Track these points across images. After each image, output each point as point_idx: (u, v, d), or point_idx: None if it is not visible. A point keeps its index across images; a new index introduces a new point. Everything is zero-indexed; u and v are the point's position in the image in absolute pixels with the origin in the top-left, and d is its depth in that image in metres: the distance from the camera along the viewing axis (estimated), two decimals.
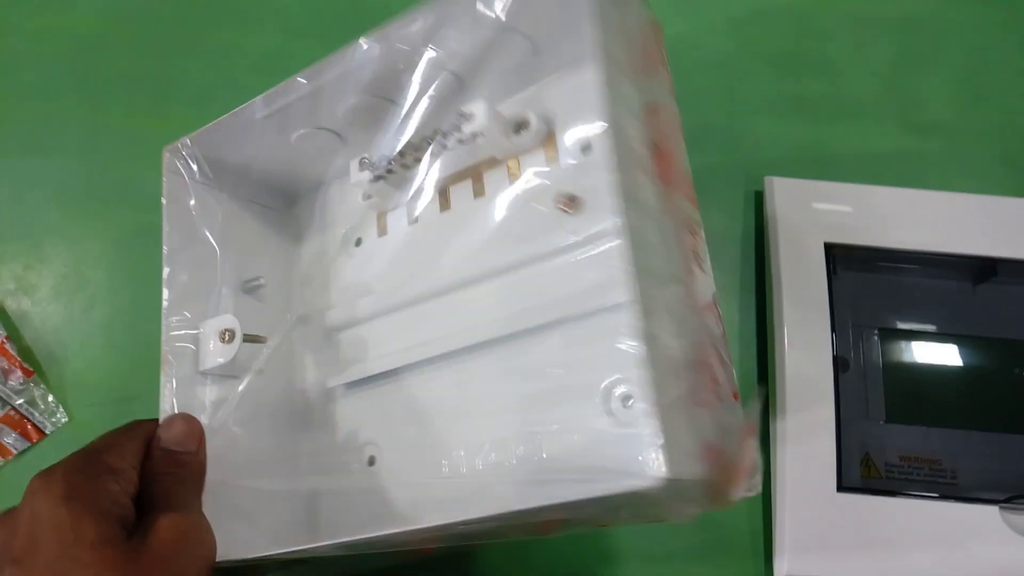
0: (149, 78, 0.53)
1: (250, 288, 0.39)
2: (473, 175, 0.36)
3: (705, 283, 0.32)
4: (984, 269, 0.43)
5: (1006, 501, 0.39)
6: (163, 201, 0.36)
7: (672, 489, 0.23)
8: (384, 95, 0.34)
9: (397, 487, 0.34)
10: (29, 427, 0.45)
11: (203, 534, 0.29)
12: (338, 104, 0.35)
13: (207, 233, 0.37)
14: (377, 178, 0.35)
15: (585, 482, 0.24)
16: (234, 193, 0.39)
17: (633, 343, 0.24)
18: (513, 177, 0.34)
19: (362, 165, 0.36)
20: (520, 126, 0.33)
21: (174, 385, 0.34)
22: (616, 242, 0.25)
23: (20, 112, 0.52)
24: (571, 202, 0.31)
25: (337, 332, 0.39)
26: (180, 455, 0.31)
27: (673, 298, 0.27)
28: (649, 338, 0.24)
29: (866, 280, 0.44)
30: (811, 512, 0.39)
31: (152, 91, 0.52)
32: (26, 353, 0.47)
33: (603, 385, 0.28)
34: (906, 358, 0.43)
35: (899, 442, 0.41)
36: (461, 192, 0.36)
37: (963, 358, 0.43)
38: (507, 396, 0.32)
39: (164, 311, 0.35)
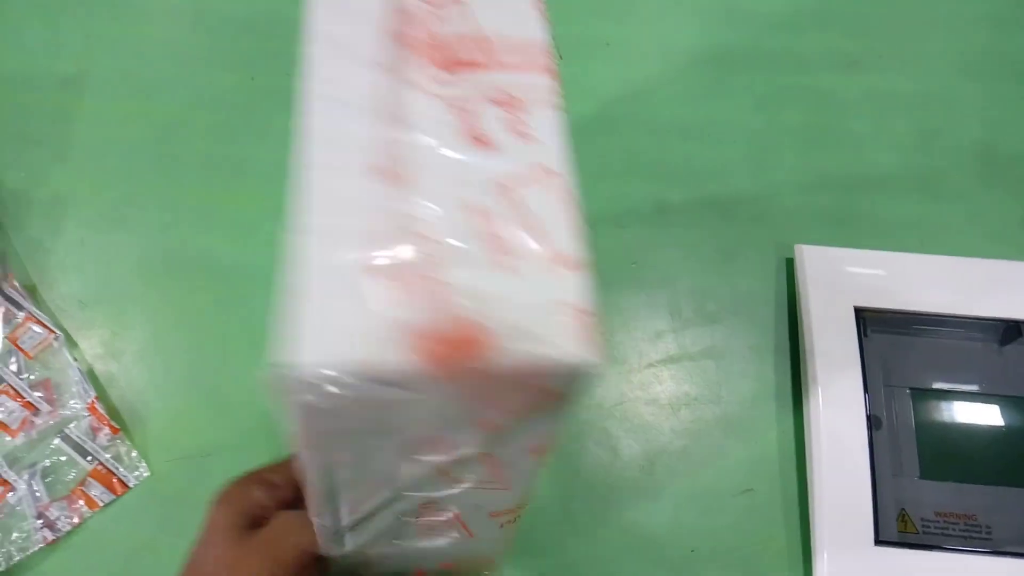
0: (223, 159, 0.58)
1: None
2: None
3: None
4: (1009, 331, 0.46)
5: None
6: None
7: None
8: None
9: None
10: (114, 481, 0.49)
11: (303, 527, 0.33)
12: None
13: None
14: None
15: None
16: None
17: None
18: None
19: None
20: None
21: None
22: None
23: (108, 191, 0.57)
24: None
25: None
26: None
27: None
28: None
29: (896, 342, 0.46)
30: (850, 565, 0.41)
31: (226, 171, 0.57)
32: (113, 412, 0.51)
33: None
34: (937, 416, 0.45)
35: (934, 498, 0.43)
36: None
37: (992, 417, 0.45)
38: None
39: None
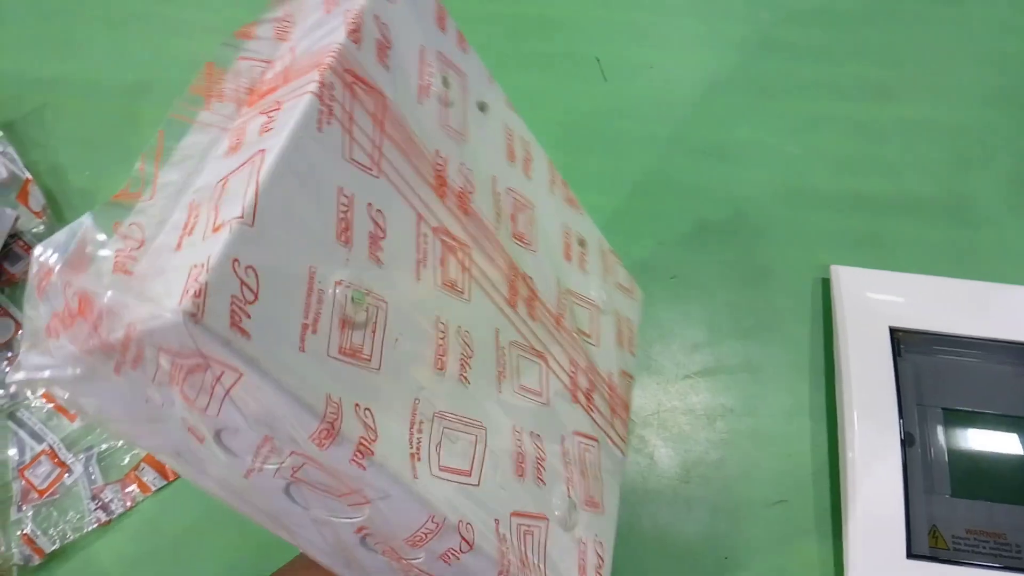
0: None
1: None
2: None
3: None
4: None
5: None
6: None
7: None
8: None
9: None
10: (167, 467, 0.51)
11: None
12: None
13: None
14: None
15: None
16: None
17: None
18: None
19: None
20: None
21: None
22: None
23: None
24: None
25: None
26: None
27: None
28: None
29: (929, 362, 0.48)
30: None
31: None
32: None
33: None
34: (969, 436, 0.46)
35: (965, 516, 0.44)
36: None
37: (1023, 438, 0.46)
38: None
39: None
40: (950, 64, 0.61)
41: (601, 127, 0.59)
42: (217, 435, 0.25)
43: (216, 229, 0.22)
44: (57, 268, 0.24)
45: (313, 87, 0.25)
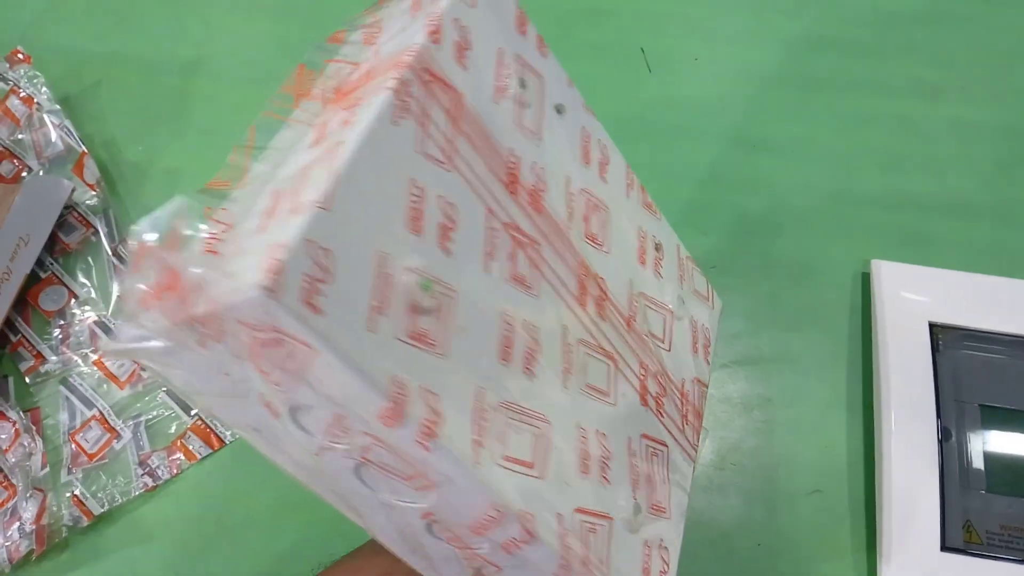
0: None
1: None
2: None
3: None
4: None
5: None
6: None
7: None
8: None
9: None
10: (212, 436, 0.52)
11: None
12: None
13: None
14: None
15: None
16: None
17: None
18: None
19: None
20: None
21: None
22: None
23: (217, 168, 0.61)
24: None
25: None
26: None
27: None
28: None
29: (968, 358, 0.48)
30: (914, 569, 0.42)
31: None
32: None
33: None
34: (1006, 433, 0.46)
35: (999, 511, 0.44)
36: None
37: None
38: None
39: None
40: (1001, 66, 0.60)
41: (648, 118, 0.60)
42: (292, 411, 0.26)
43: (295, 212, 0.23)
44: (153, 245, 0.25)
45: (391, 83, 0.26)
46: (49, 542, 0.48)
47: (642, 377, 0.35)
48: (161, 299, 0.24)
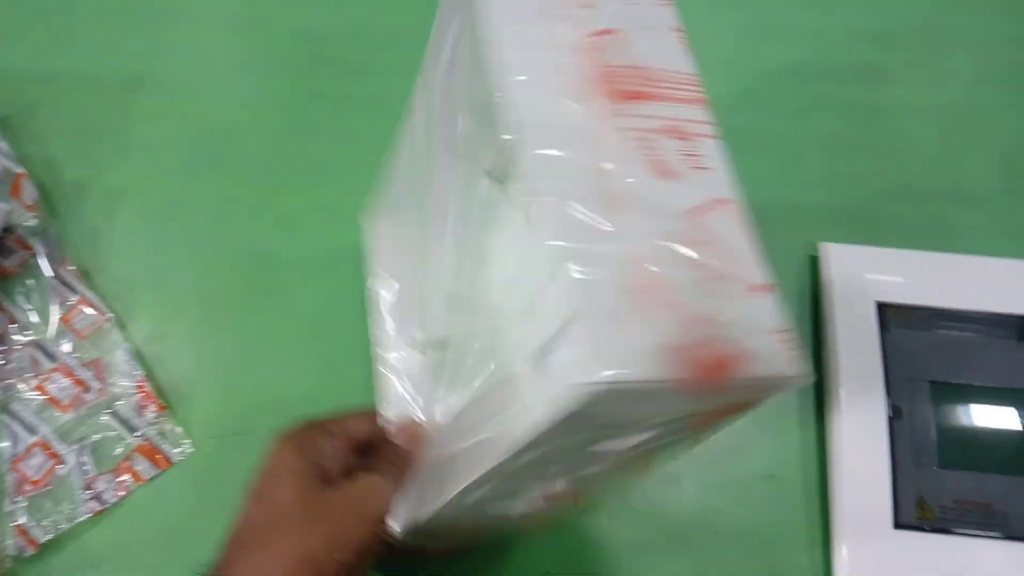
0: (274, 158, 0.61)
1: None
2: None
3: None
4: None
5: None
6: None
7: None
8: None
9: None
10: (159, 456, 0.51)
11: (387, 492, 0.35)
12: None
13: None
14: None
15: None
16: None
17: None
18: None
19: None
20: None
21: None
22: None
23: (162, 186, 0.60)
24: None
25: None
26: (403, 452, 0.37)
27: None
28: None
29: (916, 337, 0.48)
30: (869, 548, 0.42)
31: (277, 169, 0.60)
32: (159, 391, 0.53)
33: None
34: (957, 408, 0.46)
35: (952, 487, 0.44)
36: None
37: (1009, 409, 0.46)
38: None
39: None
40: (944, 48, 0.61)
41: None
42: None
43: (752, 288, 0.26)
44: None
45: (714, 130, 0.29)
46: None
47: None
48: (695, 371, 0.23)
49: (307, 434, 0.37)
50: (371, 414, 0.40)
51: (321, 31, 0.65)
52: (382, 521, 0.35)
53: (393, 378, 0.44)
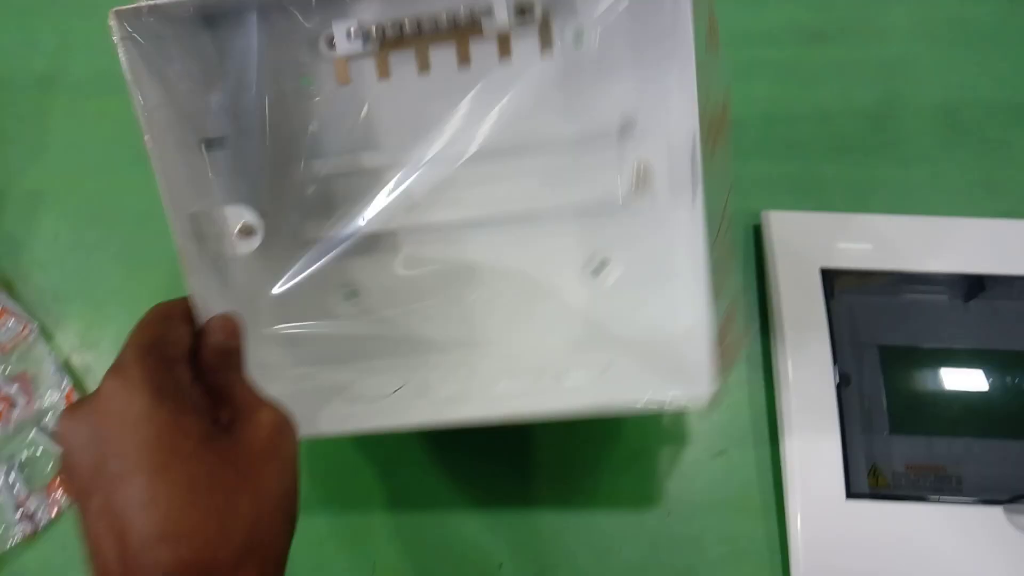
0: None
1: (212, 143, 0.38)
2: (457, 41, 0.37)
3: None
4: (973, 286, 0.46)
5: (1009, 501, 0.40)
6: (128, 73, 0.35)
7: None
8: None
9: None
10: None
11: (293, 425, 0.30)
12: None
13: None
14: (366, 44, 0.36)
15: None
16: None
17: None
18: (504, 56, 0.37)
19: (354, 34, 0.36)
20: (523, 9, 0.36)
21: (201, 275, 0.35)
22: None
23: (83, 187, 0.57)
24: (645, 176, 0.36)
25: (327, 183, 0.41)
26: (233, 352, 0.32)
27: None
28: None
29: (862, 301, 0.47)
30: (822, 520, 0.41)
31: None
32: None
33: None
34: (905, 372, 0.45)
35: (904, 452, 0.43)
36: (442, 57, 0.38)
37: (959, 370, 0.45)
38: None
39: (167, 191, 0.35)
40: (879, 5, 0.59)
41: None
42: None
43: None
44: None
45: None
46: None
47: None
48: None
49: (167, 377, 0.28)
50: (175, 308, 0.32)
51: None
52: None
53: None
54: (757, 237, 0.51)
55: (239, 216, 0.37)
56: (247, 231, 0.37)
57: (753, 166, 0.54)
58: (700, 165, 0.34)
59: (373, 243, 0.42)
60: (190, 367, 0.30)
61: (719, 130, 0.35)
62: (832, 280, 0.47)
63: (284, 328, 0.40)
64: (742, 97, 0.56)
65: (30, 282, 0.54)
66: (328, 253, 0.38)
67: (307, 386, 0.40)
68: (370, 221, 0.39)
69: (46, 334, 0.53)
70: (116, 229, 0.56)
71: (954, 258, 0.47)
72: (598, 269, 0.42)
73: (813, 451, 0.42)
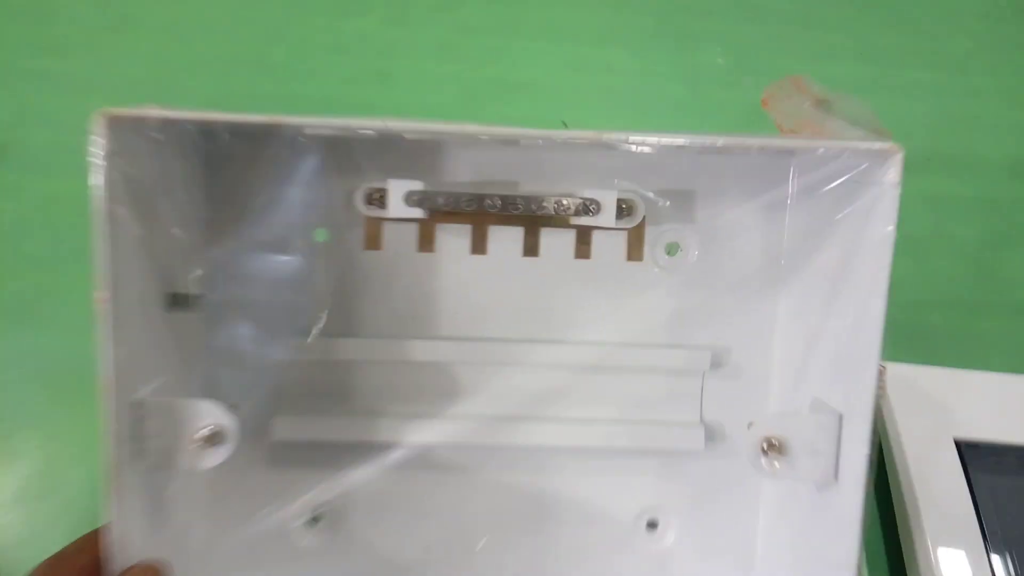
0: None
1: (180, 300, 0.30)
2: (526, 227, 0.32)
3: None
4: None
5: None
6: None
7: None
8: None
9: None
10: None
11: None
12: None
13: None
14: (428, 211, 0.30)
15: None
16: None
17: None
18: (582, 256, 0.32)
19: (416, 200, 0.30)
20: (624, 212, 0.31)
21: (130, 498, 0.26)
22: None
23: (16, 281, 0.46)
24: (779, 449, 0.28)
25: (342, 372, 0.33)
26: None
27: None
28: None
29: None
30: None
31: None
32: None
33: None
34: None
35: None
36: (501, 240, 0.32)
37: None
38: None
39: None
40: (966, 136, 0.53)
41: None
42: None
43: None
44: None
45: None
46: None
47: None
48: None
49: None
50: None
51: (218, 101, 0.53)
52: None
53: None
54: None
55: (206, 415, 0.27)
56: (215, 438, 0.26)
57: None
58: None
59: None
60: None
61: None
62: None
63: None
64: None
65: None
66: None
67: None
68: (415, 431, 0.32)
69: None
70: (47, 336, 0.45)
71: None
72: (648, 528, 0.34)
73: None
